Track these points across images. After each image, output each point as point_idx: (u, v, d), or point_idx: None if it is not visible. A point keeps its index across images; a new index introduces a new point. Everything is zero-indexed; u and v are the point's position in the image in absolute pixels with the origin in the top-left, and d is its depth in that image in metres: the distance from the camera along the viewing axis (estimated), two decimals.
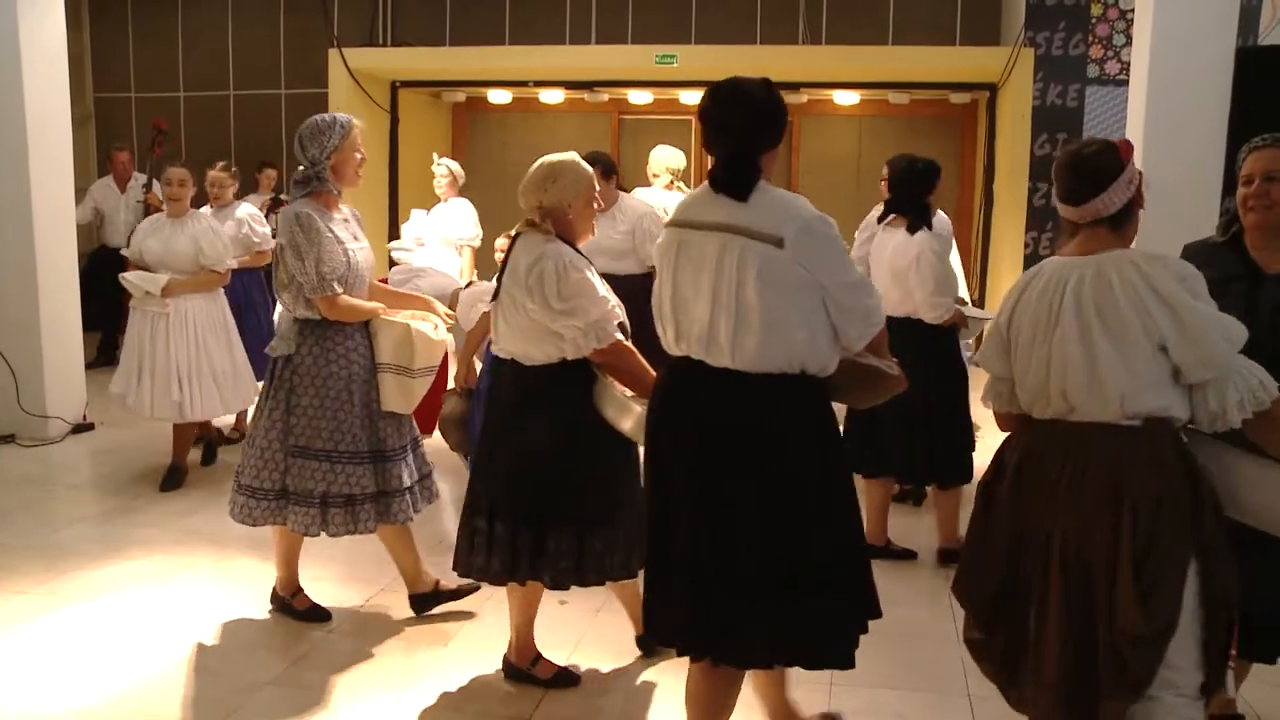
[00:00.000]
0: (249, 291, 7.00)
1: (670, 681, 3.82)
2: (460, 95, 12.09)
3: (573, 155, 3.63)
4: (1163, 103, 5.77)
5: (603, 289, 3.48)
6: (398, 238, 8.36)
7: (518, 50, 10.96)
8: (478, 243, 7.86)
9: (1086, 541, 2.56)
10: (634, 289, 5.86)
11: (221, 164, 7.12)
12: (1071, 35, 9.70)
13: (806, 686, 3.80)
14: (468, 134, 12.40)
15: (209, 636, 4.14)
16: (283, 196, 9.88)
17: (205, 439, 6.61)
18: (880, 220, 5.21)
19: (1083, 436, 2.61)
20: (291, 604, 4.36)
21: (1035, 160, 9.77)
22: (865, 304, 2.80)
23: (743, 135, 2.82)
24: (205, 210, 6.52)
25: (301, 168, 4.08)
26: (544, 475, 3.47)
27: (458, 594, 4.40)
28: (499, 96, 11.71)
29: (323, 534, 4.06)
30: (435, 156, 8.00)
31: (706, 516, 2.76)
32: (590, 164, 3.77)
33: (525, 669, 3.79)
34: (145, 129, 10.96)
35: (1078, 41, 9.71)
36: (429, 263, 7.58)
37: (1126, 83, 7.30)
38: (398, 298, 4.48)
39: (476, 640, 4.17)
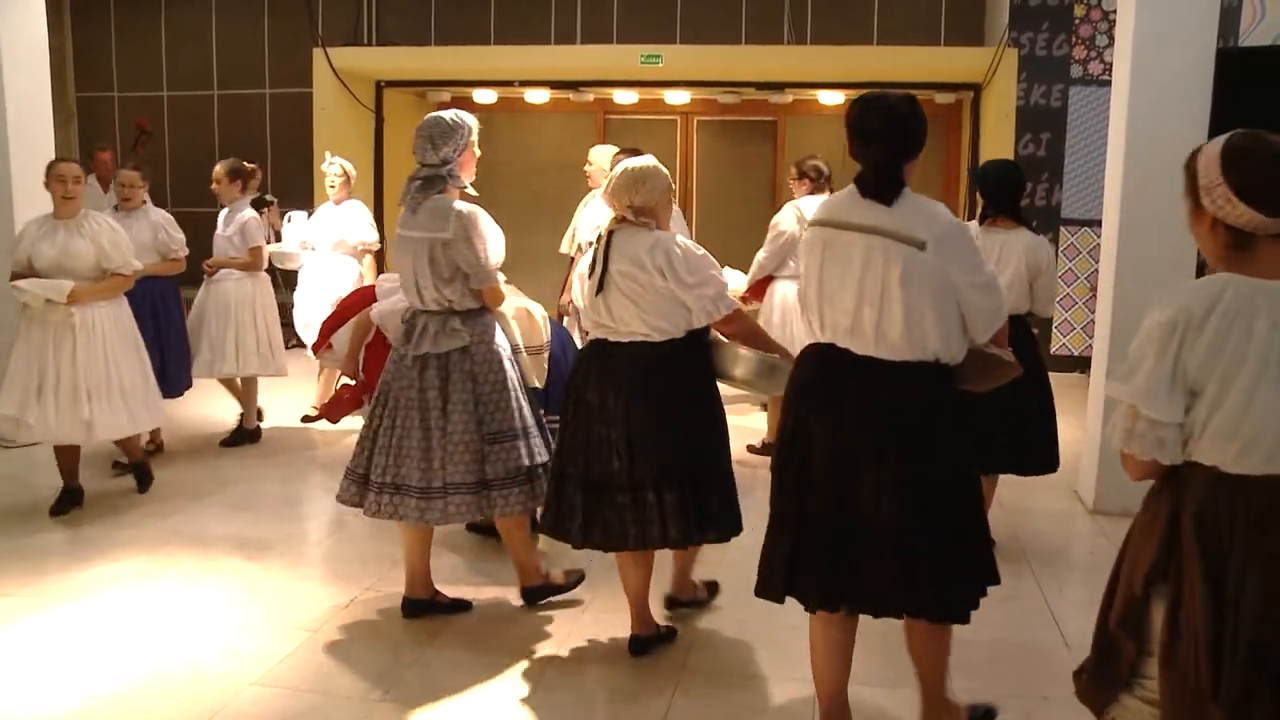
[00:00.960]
0: (165, 300, 6.54)
1: (651, 684, 3.83)
2: (445, 95, 12.06)
3: (652, 159, 3.99)
4: (1145, 103, 5.80)
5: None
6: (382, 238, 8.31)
7: (503, 50, 10.95)
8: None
9: None
10: None
11: (133, 164, 6.81)
12: (1055, 36, 9.75)
13: (792, 683, 3.81)
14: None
15: (194, 637, 4.13)
16: (268, 197, 9.88)
17: (135, 465, 6.00)
18: (981, 222, 5.19)
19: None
20: (436, 602, 4.40)
21: (1019, 160, 9.80)
22: (994, 302, 3.08)
23: (888, 146, 3.08)
24: (106, 212, 6.16)
25: (425, 166, 4.15)
26: (696, 438, 3.87)
27: (565, 587, 4.55)
28: (484, 96, 11.70)
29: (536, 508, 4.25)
30: (328, 155, 7.67)
31: (850, 487, 3.03)
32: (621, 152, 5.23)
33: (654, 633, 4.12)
34: (129, 128, 10.94)
35: (1061, 42, 9.76)
36: (322, 268, 7.45)
37: (1109, 83, 7.34)
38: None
39: (462, 637, 4.17)
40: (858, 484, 3.01)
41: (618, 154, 5.78)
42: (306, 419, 7.53)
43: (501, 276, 4.27)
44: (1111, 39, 9.03)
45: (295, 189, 10.67)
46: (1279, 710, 2.22)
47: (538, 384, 4.45)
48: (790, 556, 3.14)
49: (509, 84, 11.32)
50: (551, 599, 4.50)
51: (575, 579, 4.59)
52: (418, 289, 4.15)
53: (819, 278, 3.11)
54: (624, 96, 11.55)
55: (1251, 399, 2.24)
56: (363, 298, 5.71)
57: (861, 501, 3.01)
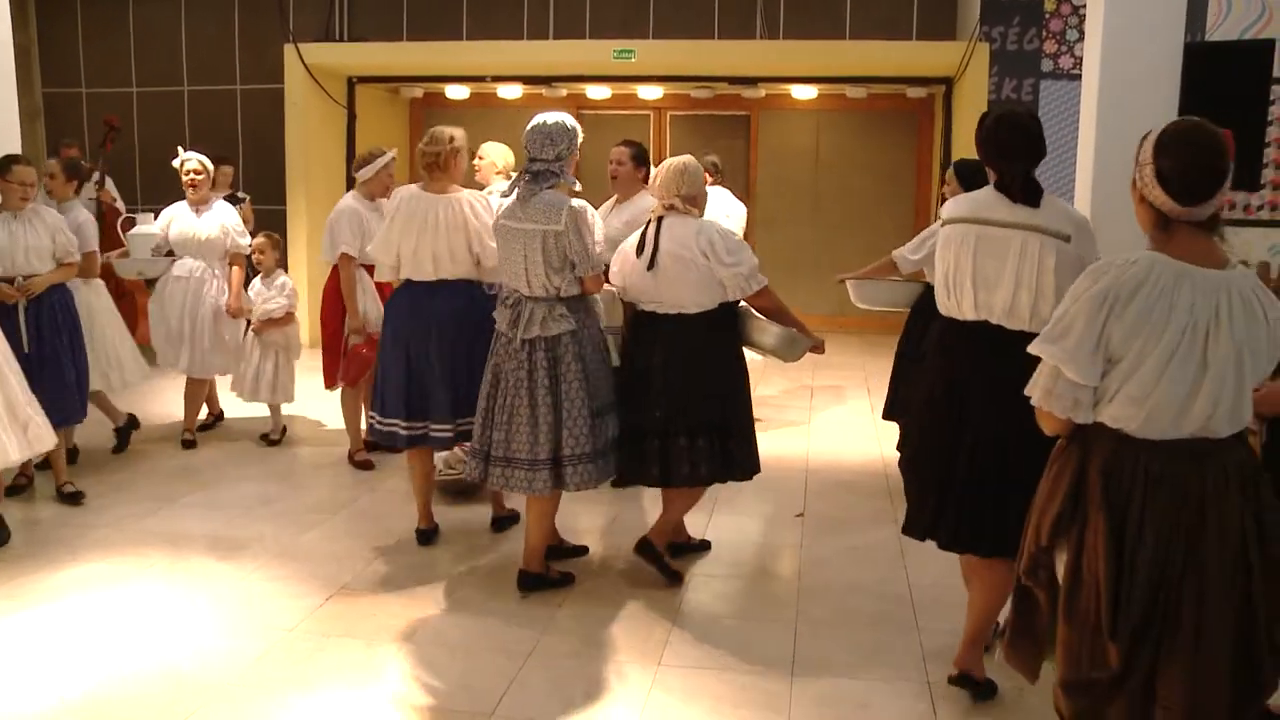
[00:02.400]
0: (69, 311, 5.81)
1: (630, 677, 3.84)
2: (418, 91, 12.03)
3: (689, 156, 4.71)
4: (1114, 97, 5.85)
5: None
6: None
7: (475, 45, 10.91)
8: (248, 250, 6.96)
9: (1230, 550, 2.50)
10: None
11: (53, 159, 6.63)
12: (1026, 30, 9.79)
13: (762, 676, 3.83)
14: (425, 130, 12.31)
15: (167, 638, 4.10)
16: (240, 194, 9.81)
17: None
18: None
19: (1213, 450, 2.53)
20: (547, 575, 4.66)
21: None
22: None
23: (1028, 157, 3.63)
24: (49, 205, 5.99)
25: (538, 161, 4.42)
26: (730, 393, 4.60)
27: (557, 583, 4.73)
28: (457, 92, 11.66)
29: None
30: (180, 150, 6.90)
31: (995, 443, 3.46)
32: (626, 144, 6.02)
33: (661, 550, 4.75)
34: (97, 125, 10.82)
35: (1032, 36, 9.79)
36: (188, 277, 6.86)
37: (1079, 77, 7.39)
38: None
39: (434, 634, 4.17)
40: (1005, 443, 3.39)
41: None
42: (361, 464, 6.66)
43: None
44: (1081, 33, 9.07)
45: (267, 186, 10.61)
46: (1166, 648, 2.48)
47: (616, 362, 4.67)
48: (935, 506, 3.65)
49: (481, 79, 11.29)
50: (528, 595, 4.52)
51: (566, 579, 4.72)
52: (526, 277, 4.42)
53: (973, 266, 3.54)
54: (597, 92, 11.55)
55: (1163, 372, 2.46)
56: (334, 310, 5.87)
57: (1007, 460, 3.40)
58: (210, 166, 6.87)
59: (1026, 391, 2.70)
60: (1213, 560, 2.47)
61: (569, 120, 4.46)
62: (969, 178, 5.33)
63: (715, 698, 3.71)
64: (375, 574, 4.80)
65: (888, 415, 5.87)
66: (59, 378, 5.56)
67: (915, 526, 3.79)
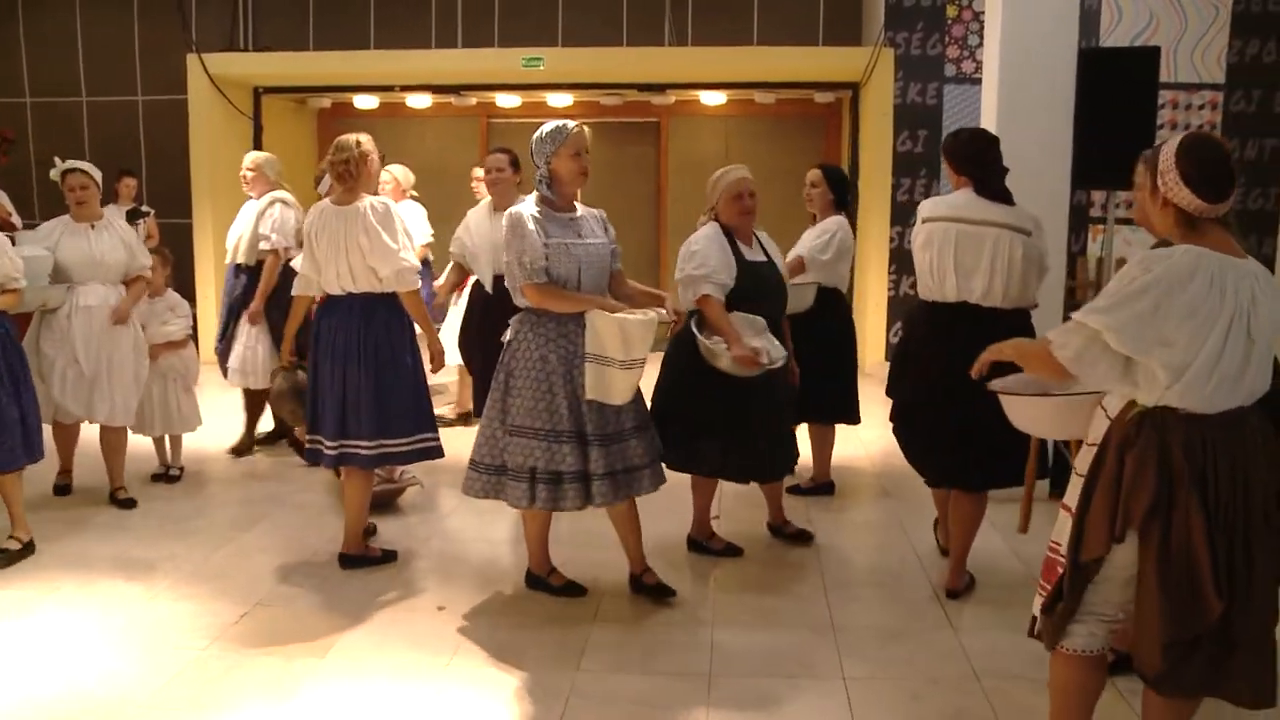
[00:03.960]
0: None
1: (547, 685, 3.84)
2: (326, 101, 11.90)
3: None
4: (1012, 100, 6.01)
5: (712, 259, 4.80)
6: None
7: (383, 55, 10.83)
8: (149, 272, 6.13)
9: (1267, 501, 2.80)
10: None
11: None
12: (929, 36, 9.99)
13: (684, 678, 3.86)
14: (333, 140, 12.18)
15: (75, 664, 4.00)
16: (144, 208, 9.63)
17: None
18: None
19: (1245, 415, 2.81)
20: (548, 581, 4.71)
21: (898, 157, 10.04)
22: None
23: (1000, 166, 4.55)
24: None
25: (537, 171, 4.43)
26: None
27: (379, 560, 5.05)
28: (365, 102, 11.56)
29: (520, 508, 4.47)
30: (58, 160, 6.00)
31: (970, 399, 3.81)
32: (502, 151, 6.27)
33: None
34: None
35: (935, 42, 10.00)
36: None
37: (981, 81, 7.54)
38: (645, 295, 4.64)
39: (353, 650, 4.13)
40: (974, 398, 3.69)
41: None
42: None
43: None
44: (983, 38, 9.27)
45: (172, 199, 10.43)
46: (1248, 584, 2.75)
47: (603, 397, 4.26)
48: (934, 453, 4.60)
49: (390, 89, 11.22)
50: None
51: (389, 556, 5.10)
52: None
53: (954, 256, 4.42)
54: (506, 100, 11.53)
55: (1222, 351, 2.70)
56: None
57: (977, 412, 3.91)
58: (98, 177, 5.94)
59: (1055, 352, 2.87)
60: (1258, 512, 2.76)
61: (542, 129, 4.38)
62: (838, 181, 5.94)
63: (634, 701, 3.73)
64: (290, 589, 4.74)
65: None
66: None
67: (927, 472, 4.76)
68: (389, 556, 5.07)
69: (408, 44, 10.93)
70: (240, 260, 6.86)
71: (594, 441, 4.29)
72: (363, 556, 5.01)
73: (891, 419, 4.84)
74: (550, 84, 10.94)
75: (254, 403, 7.02)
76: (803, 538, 5.34)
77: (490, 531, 5.53)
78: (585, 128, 4.41)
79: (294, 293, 5.19)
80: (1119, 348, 2.76)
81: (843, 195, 5.99)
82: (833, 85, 10.92)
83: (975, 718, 3.60)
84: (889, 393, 4.83)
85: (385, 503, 5.75)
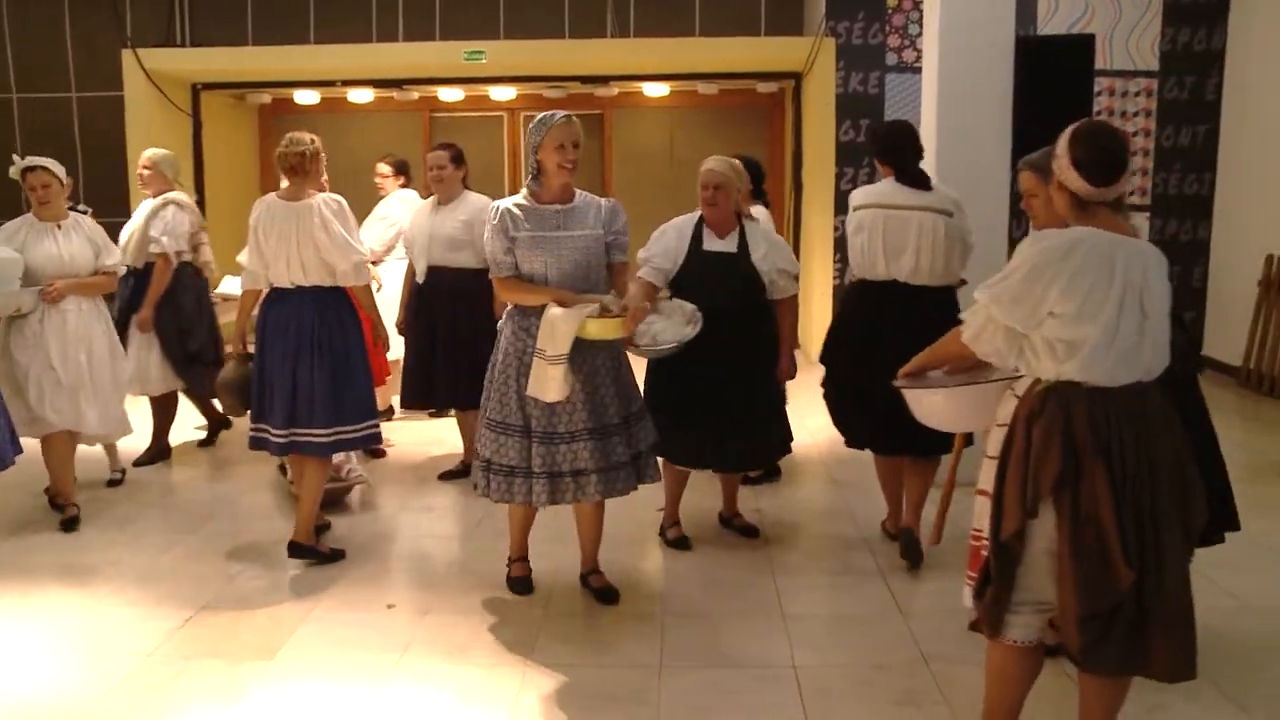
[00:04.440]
0: None
1: (498, 680, 3.83)
2: (266, 97, 11.77)
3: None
4: (952, 89, 6.05)
5: (658, 245, 5.06)
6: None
7: (323, 49, 10.72)
8: (120, 270, 6.25)
9: (1172, 474, 2.89)
10: (466, 285, 5.95)
11: None
12: (870, 25, 10.04)
13: (635, 670, 3.86)
14: (275, 136, 12.07)
15: (18, 672, 3.93)
16: (80, 207, 9.45)
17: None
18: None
19: (1149, 390, 2.91)
20: (509, 569, 4.72)
21: (840, 146, 10.09)
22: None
23: (917, 153, 4.94)
24: None
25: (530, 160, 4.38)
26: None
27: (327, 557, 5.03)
28: (306, 97, 11.45)
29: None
30: (17, 157, 5.80)
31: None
32: (443, 148, 6.20)
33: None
34: None
35: (876, 31, 10.05)
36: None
37: (922, 70, 7.60)
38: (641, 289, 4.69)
39: (302, 651, 4.09)
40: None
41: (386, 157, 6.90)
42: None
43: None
44: (923, 27, 9.35)
45: (109, 198, 10.26)
46: (1153, 566, 2.83)
47: (537, 393, 4.16)
48: (863, 420, 4.89)
49: (331, 84, 11.12)
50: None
51: (336, 554, 5.06)
52: None
53: (883, 239, 4.81)
54: (449, 94, 11.47)
55: (1118, 324, 2.81)
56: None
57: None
58: (62, 174, 5.76)
59: (963, 334, 3.07)
60: (1164, 484, 2.84)
61: (536, 119, 4.33)
62: (755, 172, 6.09)
63: (585, 694, 3.73)
64: (238, 591, 4.69)
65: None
66: None
67: (854, 439, 5.10)
68: (336, 555, 5.03)
69: (348, 38, 10.83)
70: (129, 262, 6.54)
71: (537, 439, 4.24)
72: (312, 549, 4.98)
73: (823, 384, 5.17)
74: (493, 77, 10.89)
75: (159, 410, 6.84)
76: (748, 532, 5.36)
77: (438, 528, 5.51)
78: (574, 119, 4.30)
79: (242, 288, 5.17)
80: (1003, 319, 2.92)
81: (759, 185, 6.18)
82: (775, 75, 10.96)
83: (925, 701, 3.64)
84: (822, 359, 5.15)
85: (333, 501, 5.70)
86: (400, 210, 7.36)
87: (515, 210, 4.27)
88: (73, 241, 5.67)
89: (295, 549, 4.94)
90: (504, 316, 4.40)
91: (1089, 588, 2.83)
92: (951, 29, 6.05)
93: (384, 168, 7.72)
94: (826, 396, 5.16)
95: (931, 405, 3.38)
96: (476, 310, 5.87)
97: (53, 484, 5.72)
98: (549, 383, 4.12)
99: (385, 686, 3.80)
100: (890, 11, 10.03)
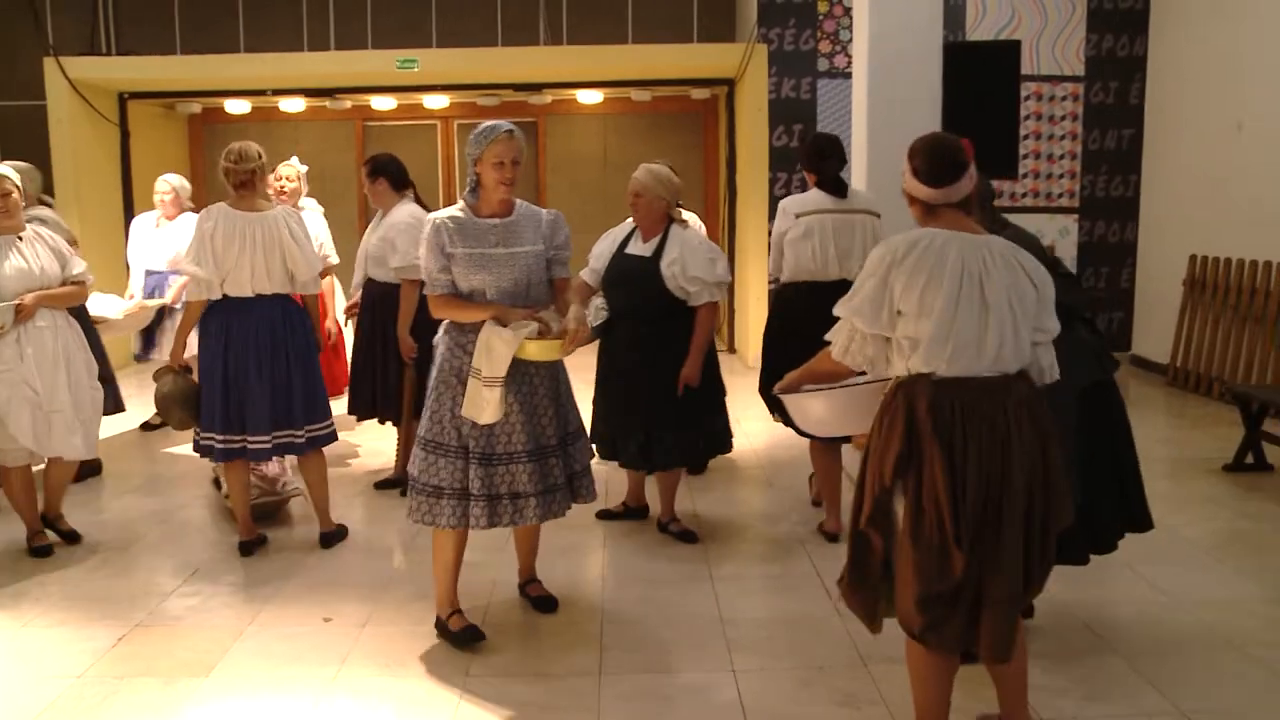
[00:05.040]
0: None
1: (438, 692, 3.81)
2: (195, 106, 11.61)
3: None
4: (881, 93, 6.13)
5: (596, 248, 5.31)
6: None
7: (254, 58, 10.60)
8: (89, 278, 5.69)
9: (1026, 471, 2.97)
10: (389, 298, 5.91)
11: None
12: (801, 31, 10.14)
13: (575, 679, 3.86)
14: (205, 146, 11.93)
15: None
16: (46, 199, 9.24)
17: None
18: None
19: (1008, 385, 2.99)
20: (446, 624, 4.26)
21: (774, 151, 10.17)
22: None
23: (834, 163, 5.29)
24: None
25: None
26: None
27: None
28: (237, 107, 11.32)
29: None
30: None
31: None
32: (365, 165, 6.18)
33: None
34: None
35: (807, 37, 10.15)
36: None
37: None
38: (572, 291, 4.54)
39: (238, 667, 4.04)
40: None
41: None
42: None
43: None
44: (853, 33, 9.46)
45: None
46: (990, 555, 2.94)
47: (471, 415, 4.03)
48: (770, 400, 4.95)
49: (262, 93, 11.00)
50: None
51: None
52: None
53: (835, 242, 5.18)
54: (382, 102, 11.39)
55: (955, 313, 2.93)
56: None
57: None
58: (18, 180, 5.31)
59: (833, 352, 3.20)
60: (1016, 478, 2.93)
61: (477, 128, 4.12)
62: None
63: (525, 704, 3.72)
64: (172, 608, 4.61)
65: None
66: None
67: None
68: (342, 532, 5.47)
69: (279, 46, 10.74)
70: None
71: (475, 460, 4.07)
72: (339, 529, 5.47)
73: (764, 383, 5.30)
74: (426, 85, 10.85)
75: None
76: (686, 537, 5.37)
77: (376, 540, 5.46)
78: (516, 133, 4.07)
79: (191, 298, 5.15)
80: (866, 329, 3.06)
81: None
82: (708, 82, 11.02)
83: (864, 702, 3.67)
84: (766, 359, 5.42)
85: (268, 514, 5.64)
86: (309, 218, 7.29)
87: (451, 224, 4.07)
88: (39, 254, 5.21)
89: (326, 538, 5.38)
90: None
91: (926, 569, 2.97)
92: (881, 35, 6.13)
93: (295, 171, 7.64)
94: (770, 394, 5.17)
95: (810, 409, 3.51)
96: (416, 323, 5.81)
97: (26, 515, 5.36)
98: (485, 405, 3.99)
99: (323, 701, 3.76)
100: (821, 17, 10.13)
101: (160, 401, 5.24)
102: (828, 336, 3.23)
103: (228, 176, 5.05)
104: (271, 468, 5.78)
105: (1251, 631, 4.18)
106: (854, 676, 3.87)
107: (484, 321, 4.02)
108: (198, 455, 5.34)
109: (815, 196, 5.28)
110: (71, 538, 5.47)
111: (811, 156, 5.35)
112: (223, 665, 4.05)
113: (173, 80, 10.69)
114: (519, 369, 4.06)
